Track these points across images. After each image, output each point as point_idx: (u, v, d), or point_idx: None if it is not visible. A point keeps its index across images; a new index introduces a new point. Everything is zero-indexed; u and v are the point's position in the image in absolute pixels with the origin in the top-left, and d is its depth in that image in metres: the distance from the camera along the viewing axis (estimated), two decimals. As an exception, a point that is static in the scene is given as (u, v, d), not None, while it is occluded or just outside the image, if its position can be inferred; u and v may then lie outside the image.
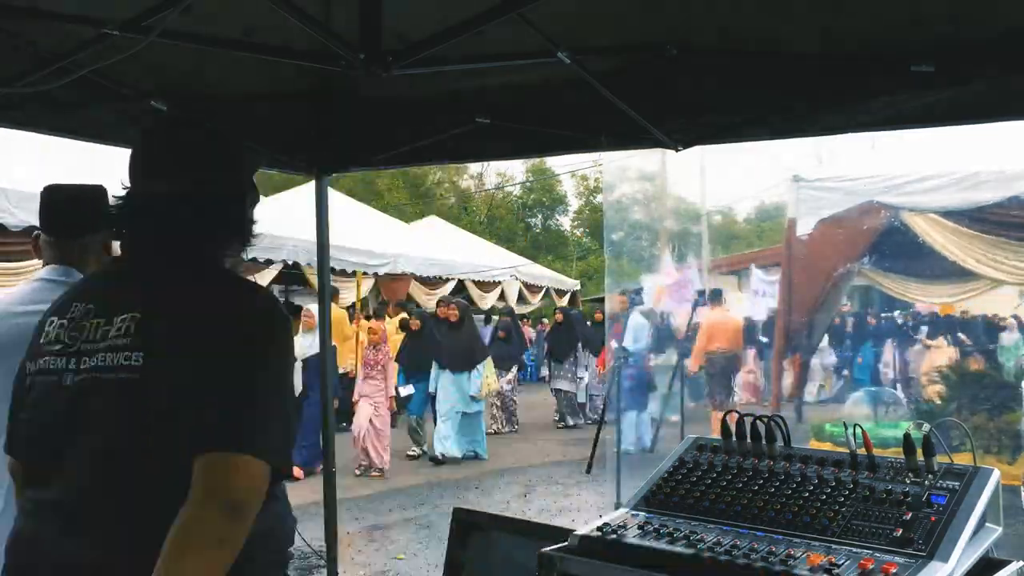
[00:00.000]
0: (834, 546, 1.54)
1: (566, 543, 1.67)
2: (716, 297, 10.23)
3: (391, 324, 11.25)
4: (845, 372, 13.90)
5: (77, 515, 1.45)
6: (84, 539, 1.43)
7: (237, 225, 1.64)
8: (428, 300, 14.78)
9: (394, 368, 9.54)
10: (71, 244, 2.38)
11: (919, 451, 1.69)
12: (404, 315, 10.99)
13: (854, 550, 1.52)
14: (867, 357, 14.01)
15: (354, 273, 12.07)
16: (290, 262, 10.49)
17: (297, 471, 7.69)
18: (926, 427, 1.76)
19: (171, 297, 1.51)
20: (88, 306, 1.56)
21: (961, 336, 12.34)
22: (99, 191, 2.43)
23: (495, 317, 11.50)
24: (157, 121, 1.79)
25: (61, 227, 2.39)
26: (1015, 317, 12.26)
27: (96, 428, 1.46)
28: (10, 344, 2.24)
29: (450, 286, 15.19)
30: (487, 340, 12.57)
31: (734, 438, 1.90)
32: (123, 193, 1.62)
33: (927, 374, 10.75)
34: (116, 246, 2.19)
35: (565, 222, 40.65)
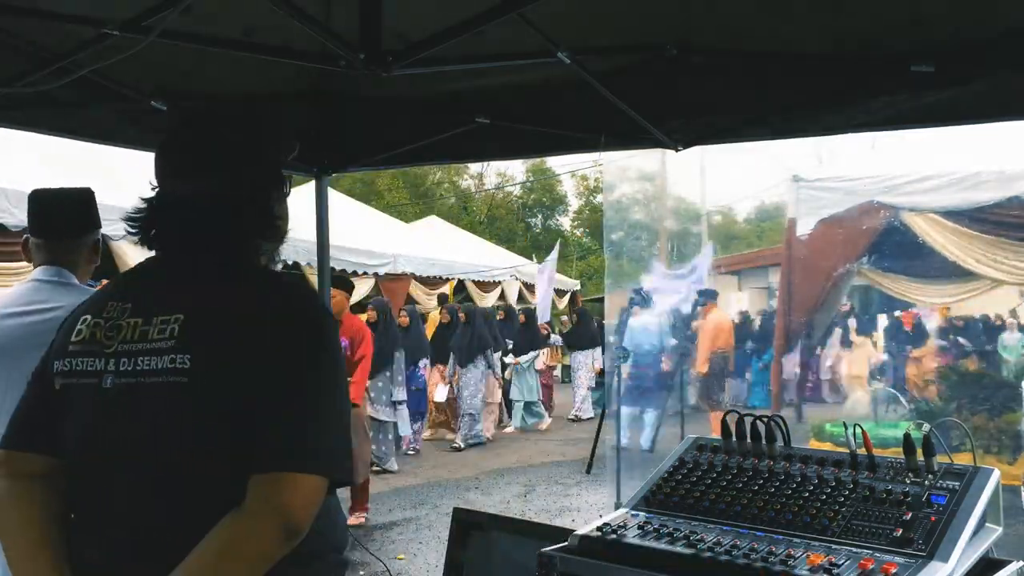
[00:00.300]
0: (834, 546, 1.54)
1: (566, 543, 1.68)
2: (713, 297, 10.31)
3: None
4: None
5: (121, 519, 1.41)
6: (126, 542, 1.40)
7: (265, 221, 1.59)
8: (428, 300, 14.79)
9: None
10: (60, 246, 2.42)
11: (919, 451, 1.69)
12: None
13: (854, 550, 1.52)
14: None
15: (355, 273, 12.08)
16: (290, 262, 10.50)
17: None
18: (926, 427, 1.76)
19: (216, 298, 1.47)
20: (125, 305, 1.51)
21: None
22: (86, 194, 2.47)
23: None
24: (179, 120, 1.71)
25: (50, 230, 2.43)
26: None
27: (141, 430, 1.42)
28: (8, 345, 2.25)
29: (450, 286, 15.20)
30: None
31: (734, 438, 1.90)
32: (150, 194, 1.58)
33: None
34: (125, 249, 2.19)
35: (565, 222, 40.66)
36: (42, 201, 2.45)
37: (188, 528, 1.35)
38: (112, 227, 8.38)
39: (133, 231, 1.57)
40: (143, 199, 1.57)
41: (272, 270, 1.62)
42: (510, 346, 12.64)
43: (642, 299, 9.90)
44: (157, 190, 1.58)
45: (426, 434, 11.29)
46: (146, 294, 1.52)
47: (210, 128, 1.61)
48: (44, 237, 2.43)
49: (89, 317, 1.54)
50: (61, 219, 2.43)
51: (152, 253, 1.61)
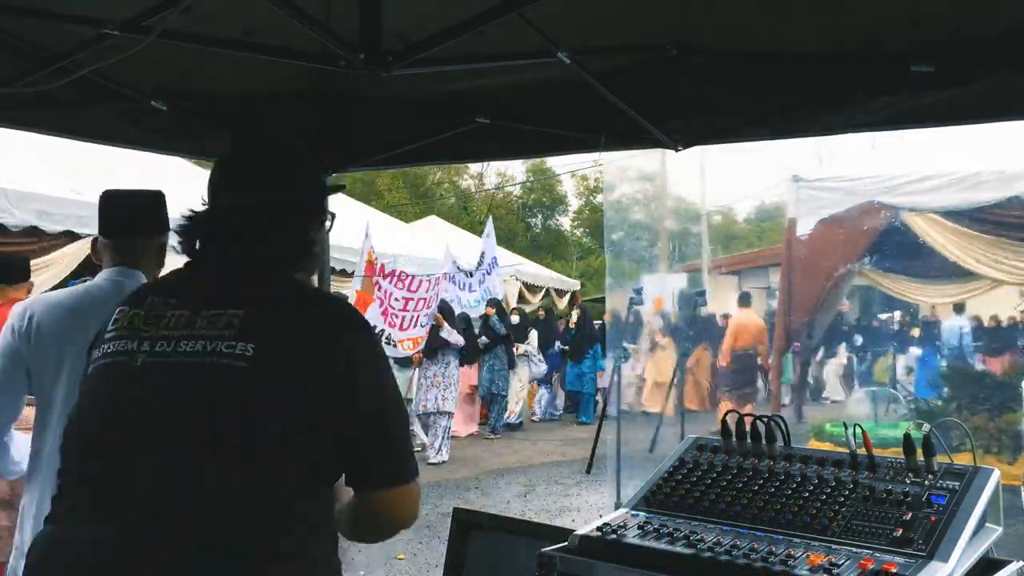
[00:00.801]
0: (834, 546, 1.54)
1: (566, 543, 1.67)
2: (745, 300, 10.96)
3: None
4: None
5: (142, 497, 1.38)
6: (146, 521, 1.36)
7: (306, 245, 1.65)
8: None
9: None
10: (128, 246, 2.43)
11: (919, 451, 1.69)
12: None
13: (854, 550, 1.52)
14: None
15: (355, 273, 12.07)
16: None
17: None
18: (926, 427, 1.76)
19: (273, 300, 1.51)
20: (169, 299, 1.52)
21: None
22: (156, 196, 2.50)
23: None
24: (241, 142, 1.84)
25: (119, 230, 2.43)
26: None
27: (176, 407, 1.41)
28: (77, 338, 2.25)
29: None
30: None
31: (734, 438, 1.90)
32: (202, 207, 1.62)
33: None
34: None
35: (565, 222, 40.67)
36: (112, 201, 2.46)
37: (211, 508, 1.36)
38: (112, 227, 8.26)
39: (180, 240, 1.61)
40: (191, 211, 1.61)
41: (314, 286, 1.72)
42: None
43: (642, 299, 9.91)
44: (208, 203, 1.62)
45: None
46: (192, 292, 1.53)
47: (259, 153, 1.69)
48: (112, 238, 2.44)
49: (127, 308, 1.55)
50: (130, 220, 2.44)
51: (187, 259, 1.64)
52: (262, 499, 1.38)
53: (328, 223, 1.76)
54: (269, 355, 1.41)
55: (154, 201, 2.49)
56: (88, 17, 2.37)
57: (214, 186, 1.63)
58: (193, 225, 1.59)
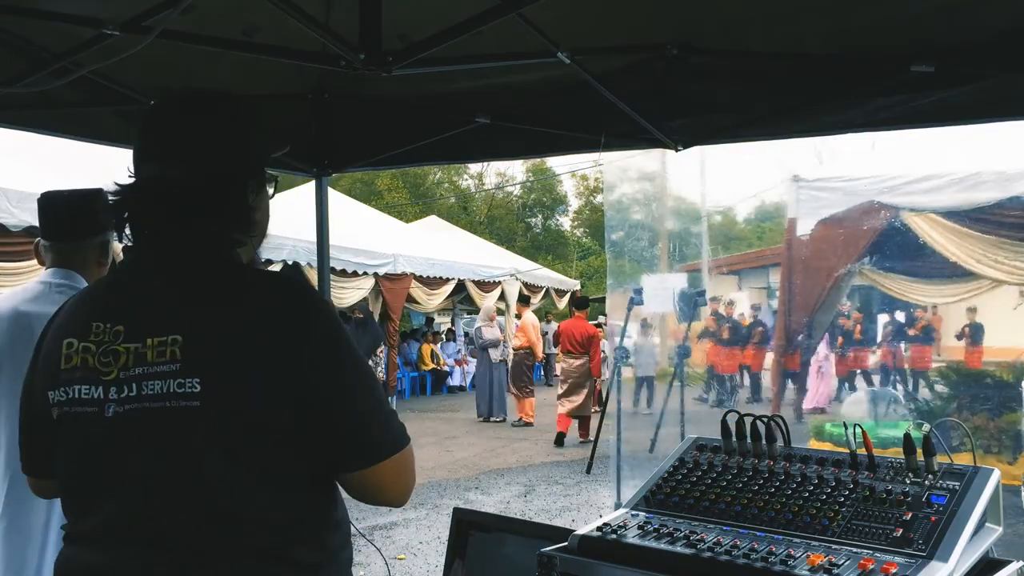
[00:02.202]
0: (834, 546, 1.54)
1: (566, 543, 1.67)
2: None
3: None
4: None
5: (139, 536, 1.37)
6: (149, 552, 1.36)
7: (239, 213, 1.49)
8: (429, 300, 14.80)
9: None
10: (67, 247, 2.42)
11: (919, 451, 1.69)
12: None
13: (854, 550, 1.52)
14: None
15: (355, 273, 12.08)
16: (290, 262, 10.50)
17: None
18: (926, 427, 1.76)
19: (212, 314, 1.39)
20: (116, 328, 1.41)
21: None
22: (95, 195, 2.46)
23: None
24: (158, 102, 1.65)
25: (60, 232, 2.43)
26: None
27: (154, 457, 1.36)
28: (19, 340, 2.26)
29: (450, 286, 15.20)
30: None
31: (734, 438, 1.90)
32: (125, 180, 1.49)
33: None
34: (118, 248, 2.17)
35: (565, 222, 40.67)
36: (48, 203, 2.46)
37: (212, 544, 1.35)
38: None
39: (113, 220, 1.50)
40: (117, 184, 1.48)
41: (256, 267, 1.56)
42: None
43: (642, 299, 9.92)
44: (132, 178, 1.50)
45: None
46: (134, 313, 1.42)
47: (186, 110, 1.53)
48: (51, 239, 2.44)
49: (75, 342, 1.44)
50: (66, 221, 2.43)
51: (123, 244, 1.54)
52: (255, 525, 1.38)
53: (271, 187, 1.61)
54: (217, 385, 1.34)
55: (92, 201, 2.45)
56: (88, 17, 2.37)
57: (137, 155, 1.50)
58: (119, 204, 1.47)
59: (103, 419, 1.39)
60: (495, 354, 13.38)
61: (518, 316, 14.29)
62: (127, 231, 1.49)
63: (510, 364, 13.29)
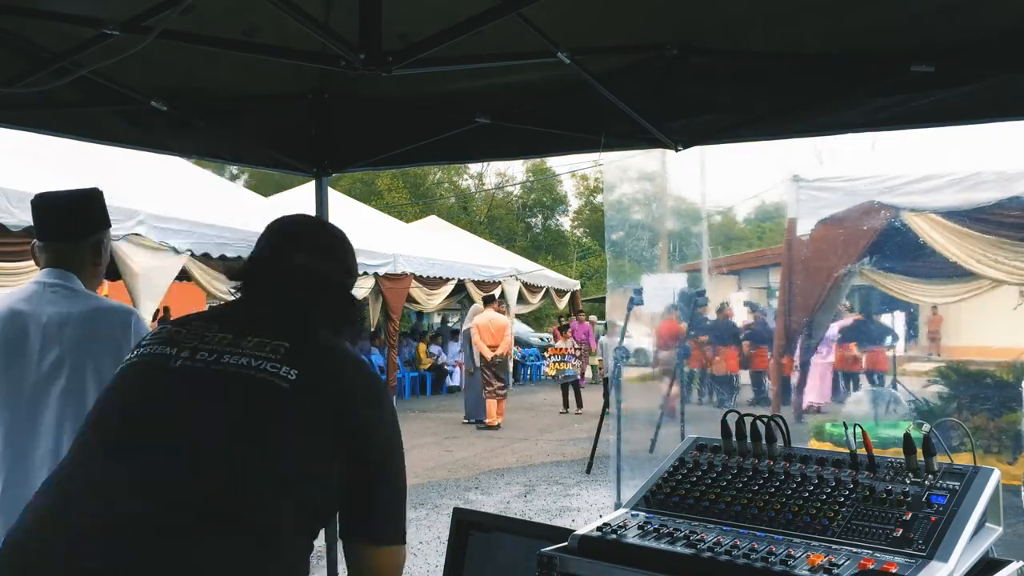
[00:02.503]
0: (834, 546, 1.54)
1: (566, 543, 1.67)
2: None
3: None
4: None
5: (149, 492, 1.41)
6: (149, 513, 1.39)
7: (350, 315, 1.78)
8: (428, 300, 14.79)
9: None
10: (61, 248, 2.42)
11: (919, 451, 1.69)
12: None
13: (854, 550, 1.52)
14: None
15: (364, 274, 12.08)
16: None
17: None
18: (926, 427, 1.76)
19: (316, 340, 1.60)
20: (211, 324, 1.62)
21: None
22: (86, 196, 2.47)
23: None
24: (301, 220, 1.95)
25: (56, 232, 2.42)
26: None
27: (210, 410, 1.48)
28: (13, 339, 2.26)
29: (450, 286, 15.21)
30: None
31: (734, 438, 1.90)
32: (268, 253, 1.76)
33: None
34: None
35: (565, 222, 40.67)
36: (44, 203, 2.46)
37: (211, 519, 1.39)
38: (112, 227, 8.29)
39: (236, 282, 1.72)
40: (252, 258, 1.77)
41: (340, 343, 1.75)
42: None
43: (642, 299, 9.94)
44: (269, 255, 1.76)
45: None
46: (237, 321, 1.63)
47: (322, 227, 1.91)
48: (46, 239, 2.44)
49: (170, 326, 1.65)
50: (59, 222, 2.43)
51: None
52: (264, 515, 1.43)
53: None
54: (310, 384, 1.51)
55: (87, 202, 2.47)
56: (88, 17, 2.37)
57: (276, 246, 1.77)
58: (253, 269, 1.74)
59: (168, 369, 1.53)
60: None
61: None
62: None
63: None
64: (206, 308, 1.96)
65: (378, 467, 1.56)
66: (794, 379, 10.27)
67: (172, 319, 1.75)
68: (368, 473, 1.55)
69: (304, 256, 1.76)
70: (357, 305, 1.84)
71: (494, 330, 12.86)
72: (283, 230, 1.82)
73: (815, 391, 12.05)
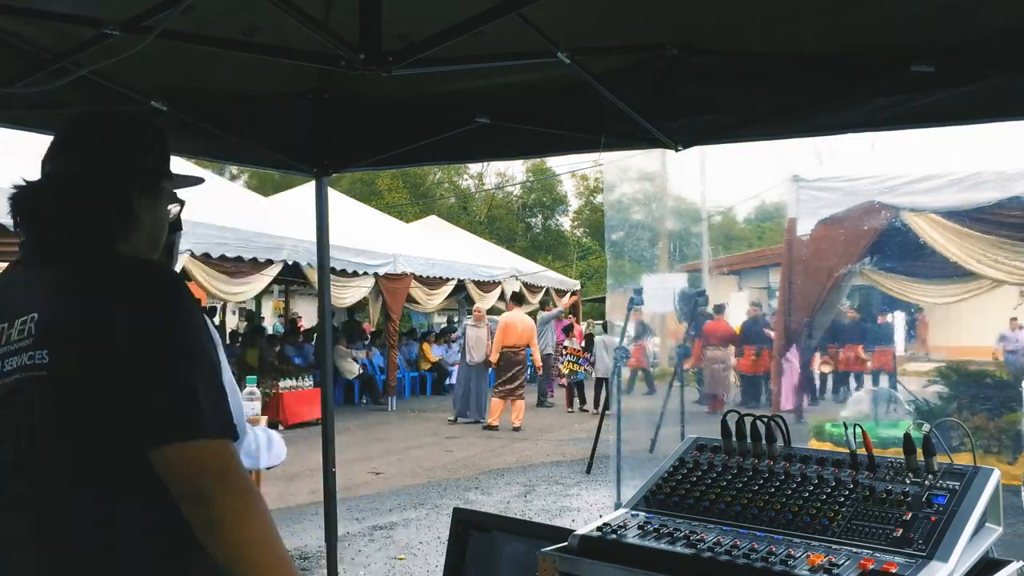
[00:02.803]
0: (834, 546, 1.54)
1: (566, 543, 1.67)
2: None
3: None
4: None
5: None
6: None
7: (126, 217, 1.55)
8: (428, 300, 14.79)
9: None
10: None
11: (919, 451, 1.69)
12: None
13: (854, 550, 1.52)
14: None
15: (355, 273, 12.08)
16: (290, 262, 10.50)
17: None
18: (926, 427, 1.76)
19: (65, 291, 1.45)
20: None
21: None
22: None
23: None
24: (76, 116, 1.71)
25: None
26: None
27: (16, 429, 1.42)
28: None
29: (450, 286, 15.21)
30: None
31: (734, 438, 1.90)
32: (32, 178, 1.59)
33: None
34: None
35: (565, 222, 40.68)
36: None
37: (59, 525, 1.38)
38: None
39: (11, 214, 1.57)
40: (23, 180, 1.57)
41: (123, 256, 1.55)
42: None
43: (642, 299, 9.94)
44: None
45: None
46: (8, 299, 1.51)
47: (77, 120, 1.64)
48: None
49: None
50: None
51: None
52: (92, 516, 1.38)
53: (173, 206, 1.67)
54: (62, 359, 1.39)
55: None
56: (88, 17, 2.37)
57: (43, 158, 1.60)
58: (16, 199, 1.55)
59: None
60: (477, 355, 13.24)
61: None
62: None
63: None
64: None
65: (145, 366, 1.37)
66: (793, 380, 10.28)
67: None
68: (135, 375, 1.37)
69: (54, 163, 1.58)
70: (131, 213, 1.55)
71: (521, 329, 12.84)
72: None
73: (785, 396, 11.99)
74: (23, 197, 1.55)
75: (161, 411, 1.35)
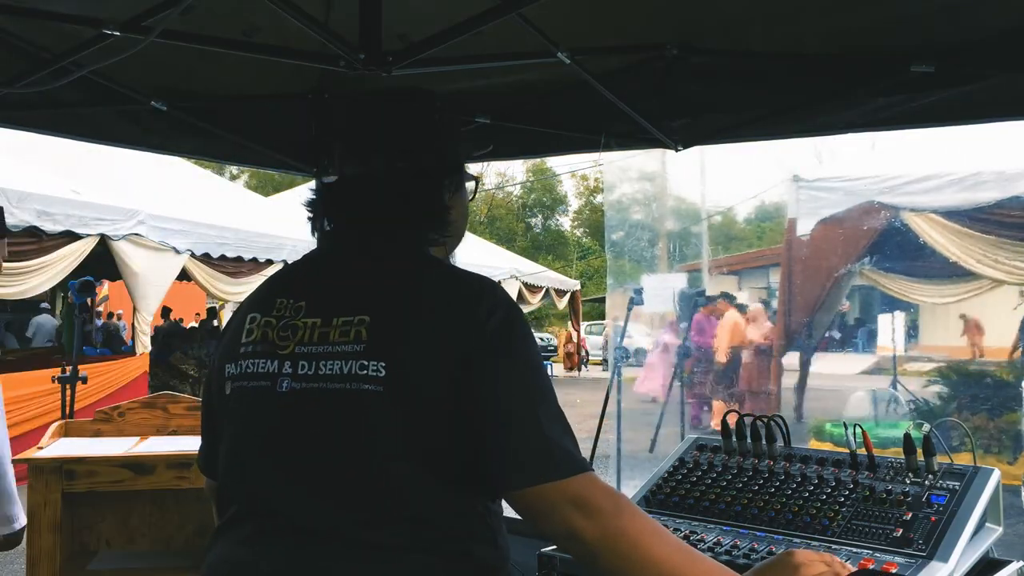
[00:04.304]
0: (834, 546, 1.54)
1: (566, 543, 1.67)
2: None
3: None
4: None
5: (287, 525, 1.31)
6: (294, 548, 1.29)
7: (433, 210, 1.47)
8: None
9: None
10: None
11: (919, 451, 1.69)
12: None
13: (854, 550, 1.52)
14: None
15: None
16: (290, 262, 10.47)
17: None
18: (926, 427, 1.76)
19: (403, 298, 1.35)
20: (299, 304, 1.39)
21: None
22: None
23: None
24: (351, 102, 1.56)
25: None
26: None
27: (324, 437, 1.31)
28: None
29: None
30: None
31: (734, 438, 1.90)
32: (328, 179, 1.48)
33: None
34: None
35: (565, 222, 40.69)
36: None
37: (382, 550, 1.27)
38: (112, 227, 8.38)
39: (309, 217, 1.49)
40: (314, 187, 1.50)
41: (450, 263, 1.53)
42: None
43: (642, 299, 9.95)
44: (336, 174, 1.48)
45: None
46: (320, 291, 1.41)
47: (377, 108, 1.52)
48: None
49: (258, 316, 1.43)
50: None
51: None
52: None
53: (472, 185, 1.59)
54: (400, 371, 1.28)
55: None
56: (88, 17, 2.37)
57: (338, 155, 1.49)
58: (319, 199, 1.48)
59: (277, 394, 1.35)
60: None
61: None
62: (325, 224, 1.48)
63: None
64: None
65: (509, 412, 1.26)
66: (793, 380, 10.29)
67: (262, 288, 1.52)
68: (501, 419, 1.26)
69: (358, 161, 1.46)
70: (443, 207, 1.48)
71: None
72: (338, 131, 1.51)
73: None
74: (329, 197, 1.48)
75: (534, 453, 1.25)
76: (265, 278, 1.59)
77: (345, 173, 1.47)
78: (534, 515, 1.26)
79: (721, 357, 10.98)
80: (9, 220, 6.51)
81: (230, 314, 1.91)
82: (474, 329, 1.30)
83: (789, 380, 10.31)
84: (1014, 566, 1.59)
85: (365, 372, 1.29)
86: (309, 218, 1.50)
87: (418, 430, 1.28)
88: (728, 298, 11.81)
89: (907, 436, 1.71)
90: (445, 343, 1.29)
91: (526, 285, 17.61)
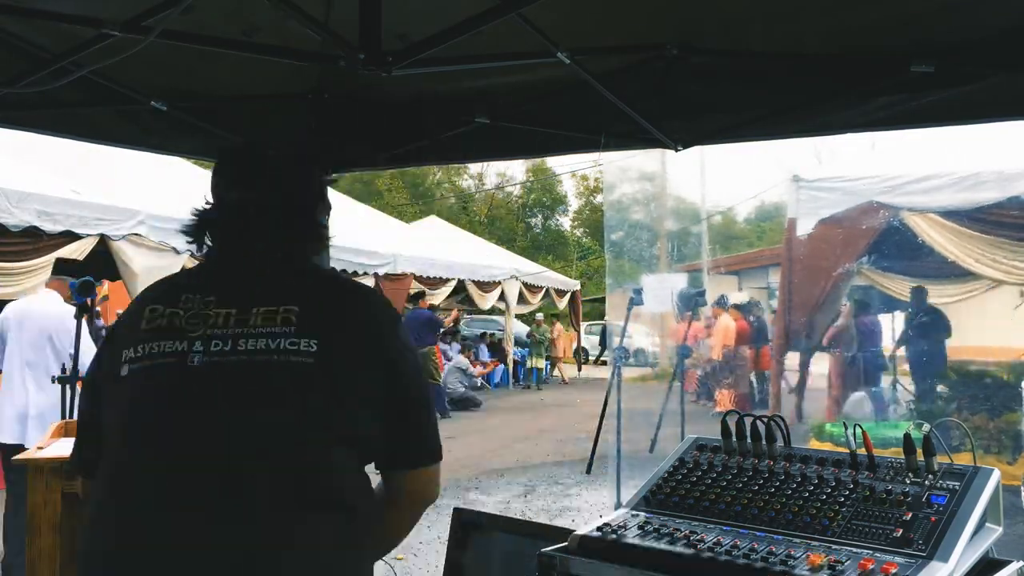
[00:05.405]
0: (834, 546, 1.54)
1: (566, 543, 1.68)
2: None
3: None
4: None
5: (225, 494, 1.41)
6: (229, 526, 1.40)
7: (314, 229, 1.73)
8: (429, 299, 14.79)
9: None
10: None
11: (919, 451, 1.69)
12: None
13: (854, 550, 1.52)
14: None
15: (355, 273, 12.07)
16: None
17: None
18: (926, 427, 1.76)
19: (319, 294, 1.59)
20: (207, 298, 1.54)
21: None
22: None
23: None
24: (233, 144, 1.94)
25: None
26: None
27: (251, 405, 1.45)
28: None
29: (450, 286, 15.21)
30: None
31: (734, 438, 1.90)
32: (209, 203, 1.67)
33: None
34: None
35: (565, 222, 40.68)
36: None
37: (293, 508, 1.42)
38: (112, 227, 8.36)
39: (188, 239, 1.65)
40: (196, 210, 1.66)
41: (336, 272, 1.79)
42: None
43: (642, 299, 9.94)
44: (211, 202, 1.66)
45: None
46: (233, 288, 1.57)
47: (259, 153, 1.74)
48: None
49: (161, 307, 1.56)
50: None
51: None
52: (316, 485, 1.46)
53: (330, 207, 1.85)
54: (329, 349, 1.49)
55: None
56: (88, 17, 2.37)
57: (218, 185, 1.67)
58: (202, 222, 1.64)
59: (187, 368, 1.46)
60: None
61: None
62: (207, 242, 1.65)
63: None
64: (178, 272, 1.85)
65: (412, 400, 1.60)
66: (794, 380, 10.28)
67: (161, 286, 1.68)
68: (403, 403, 1.58)
69: (243, 191, 1.67)
70: (322, 227, 1.78)
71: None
72: (219, 168, 1.73)
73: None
74: (219, 219, 1.65)
75: (422, 444, 1.65)
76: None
77: (236, 200, 1.66)
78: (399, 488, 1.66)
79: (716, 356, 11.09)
80: (9, 220, 6.52)
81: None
82: (372, 322, 1.60)
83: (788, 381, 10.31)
84: (1014, 566, 1.59)
85: (296, 347, 1.47)
86: (189, 240, 1.65)
87: (340, 402, 1.49)
88: (720, 304, 11.93)
89: (907, 436, 1.71)
90: (360, 330, 1.56)
91: (526, 285, 17.62)
